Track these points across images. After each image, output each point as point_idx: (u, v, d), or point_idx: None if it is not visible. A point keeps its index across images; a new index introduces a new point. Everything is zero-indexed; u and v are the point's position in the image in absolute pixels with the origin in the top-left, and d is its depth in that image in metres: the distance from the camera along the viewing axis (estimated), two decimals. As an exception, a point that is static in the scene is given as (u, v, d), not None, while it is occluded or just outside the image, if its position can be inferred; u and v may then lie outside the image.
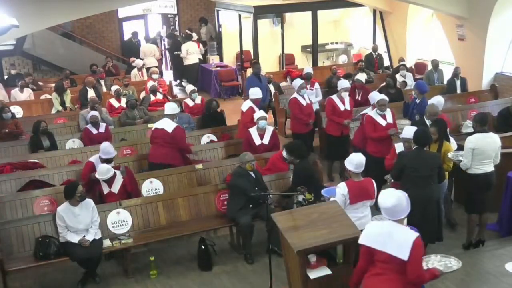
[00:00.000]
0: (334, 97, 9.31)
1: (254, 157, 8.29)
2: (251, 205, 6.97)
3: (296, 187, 6.84)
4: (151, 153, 8.34)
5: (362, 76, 12.39)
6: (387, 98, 8.37)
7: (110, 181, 7.21)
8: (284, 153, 7.33)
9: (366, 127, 8.20)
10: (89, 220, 6.57)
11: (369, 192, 5.85)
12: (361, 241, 4.33)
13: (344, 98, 9.27)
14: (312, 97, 10.30)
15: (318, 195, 6.62)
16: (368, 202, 5.89)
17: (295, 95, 9.65)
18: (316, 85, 10.88)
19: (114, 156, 7.55)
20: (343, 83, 9.42)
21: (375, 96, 8.69)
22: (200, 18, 17.99)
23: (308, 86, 10.41)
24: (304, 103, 9.57)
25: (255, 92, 9.53)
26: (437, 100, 8.23)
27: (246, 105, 9.43)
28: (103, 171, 7.09)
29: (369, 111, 8.59)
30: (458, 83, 11.64)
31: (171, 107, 8.63)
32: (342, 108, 9.22)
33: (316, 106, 10.40)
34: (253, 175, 7.12)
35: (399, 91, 11.41)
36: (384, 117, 8.17)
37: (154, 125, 8.55)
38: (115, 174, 7.25)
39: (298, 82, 9.81)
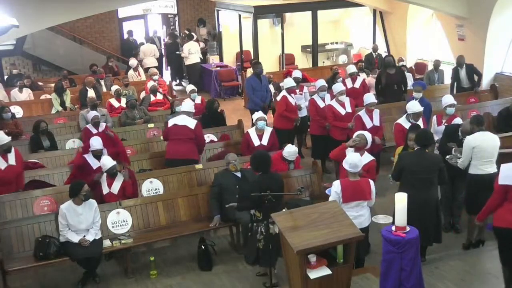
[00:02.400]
0: (333, 102, 9.13)
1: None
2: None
3: (247, 202, 6.15)
4: (171, 150, 8.27)
5: (362, 76, 12.36)
6: (421, 108, 7.95)
7: (110, 181, 7.24)
8: (250, 164, 6.56)
9: (396, 136, 7.87)
10: (90, 221, 6.57)
11: (365, 192, 5.85)
12: (501, 182, 5.19)
13: (344, 101, 9.11)
14: (301, 101, 10.11)
15: (267, 215, 5.83)
16: (364, 202, 5.89)
17: (314, 96, 9.60)
18: (305, 89, 10.72)
19: (99, 149, 7.74)
20: (338, 87, 9.23)
21: (367, 98, 8.62)
22: (198, 19, 17.99)
23: (297, 91, 10.24)
24: (322, 105, 9.44)
25: (288, 82, 9.81)
26: (448, 99, 8.20)
27: (281, 95, 9.77)
28: (106, 162, 7.18)
29: (361, 113, 8.58)
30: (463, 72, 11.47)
31: (189, 105, 8.72)
32: (343, 112, 9.02)
33: (304, 112, 10.16)
34: (239, 175, 7.13)
35: (400, 71, 11.32)
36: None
37: (171, 121, 8.35)
38: (117, 174, 7.28)
39: (319, 83, 9.71)
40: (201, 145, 8.53)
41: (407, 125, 7.75)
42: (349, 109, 9.07)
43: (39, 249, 6.41)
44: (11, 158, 7.44)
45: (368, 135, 6.95)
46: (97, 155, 7.81)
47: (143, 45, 16.57)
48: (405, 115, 7.98)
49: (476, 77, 11.47)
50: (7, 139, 7.46)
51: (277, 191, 6.05)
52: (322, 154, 9.50)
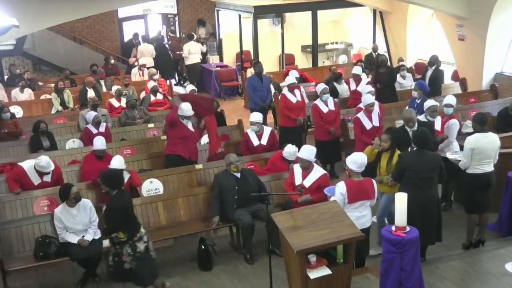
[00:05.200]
0: (361, 114, 8.49)
1: (254, 158, 8.36)
2: (235, 205, 7.00)
3: (111, 226, 5.76)
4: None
5: (362, 77, 12.36)
6: (438, 104, 7.83)
7: None
8: (101, 183, 6.13)
9: None
10: (87, 221, 6.56)
11: (368, 192, 5.85)
12: None
13: (372, 114, 8.50)
14: None
15: (133, 233, 5.78)
16: (367, 202, 5.90)
17: (317, 101, 9.40)
18: (302, 89, 10.60)
19: (102, 150, 7.85)
20: (367, 99, 8.55)
21: (366, 99, 8.54)
22: (198, 19, 17.98)
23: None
24: (325, 109, 9.22)
25: (289, 79, 9.88)
26: (449, 99, 8.18)
27: (282, 93, 9.87)
28: (115, 163, 7.25)
29: (359, 115, 8.50)
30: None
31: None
32: (369, 126, 8.44)
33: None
34: (238, 175, 7.13)
35: (389, 70, 11.51)
36: (432, 123, 7.67)
37: None
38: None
39: (320, 86, 9.56)
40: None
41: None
42: (376, 123, 8.49)
43: (39, 249, 6.41)
44: (47, 177, 7.55)
45: (306, 148, 6.66)
46: (100, 155, 7.85)
47: (140, 44, 16.55)
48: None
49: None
50: (50, 167, 7.49)
51: (132, 208, 6.05)
52: (329, 159, 9.48)
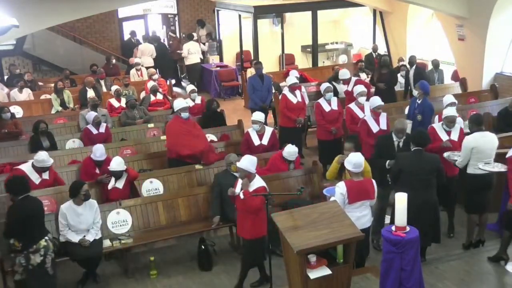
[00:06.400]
0: (368, 117, 8.28)
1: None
2: (235, 205, 6.95)
3: (6, 231, 5.76)
4: None
5: (362, 76, 12.38)
6: (456, 115, 7.46)
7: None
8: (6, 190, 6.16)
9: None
10: (91, 221, 6.57)
11: (369, 192, 5.85)
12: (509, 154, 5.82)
13: (380, 117, 8.25)
14: None
15: (32, 241, 5.72)
16: (367, 202, 5.89)
17: (320, 100, 9.39)
18: (303, 89, 10.67)
19: (101, 160, 7.71)
20: (358, 88, 8.98)
21: (373, 102, 8.40)
22: (197, 20, 17.99)
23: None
24: (327, 108, 9.22)
25: (289, 79, 9.89)
26: (452, 98, 8.12)
27: (283, 93, 9.88)
28: (114, 165, 7.26)
29: (367, 117, 8.35)
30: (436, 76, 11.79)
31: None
32: (376, 129, 8.14)
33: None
34: (237, 175, 7.09)
35: (392, 71, 11.58)
36: (448, 133, 7.33)
37: None
38: (122, 175, 7.38)
39: (324, 85, 9.57)
40: None
41: (440, 130, 7.35)
42: (384, 127, 8.21)
43: (39, 249, 6.40)
44: (45, 175, 7.53)
45: (246, 158, 6.23)
46: (99, 164, 7.78)
47: (140, 44, 16.54)
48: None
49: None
50: (49, 160, 7.48)
51: (42, 214, 5.91)
52: (329, 159, 9.44)
